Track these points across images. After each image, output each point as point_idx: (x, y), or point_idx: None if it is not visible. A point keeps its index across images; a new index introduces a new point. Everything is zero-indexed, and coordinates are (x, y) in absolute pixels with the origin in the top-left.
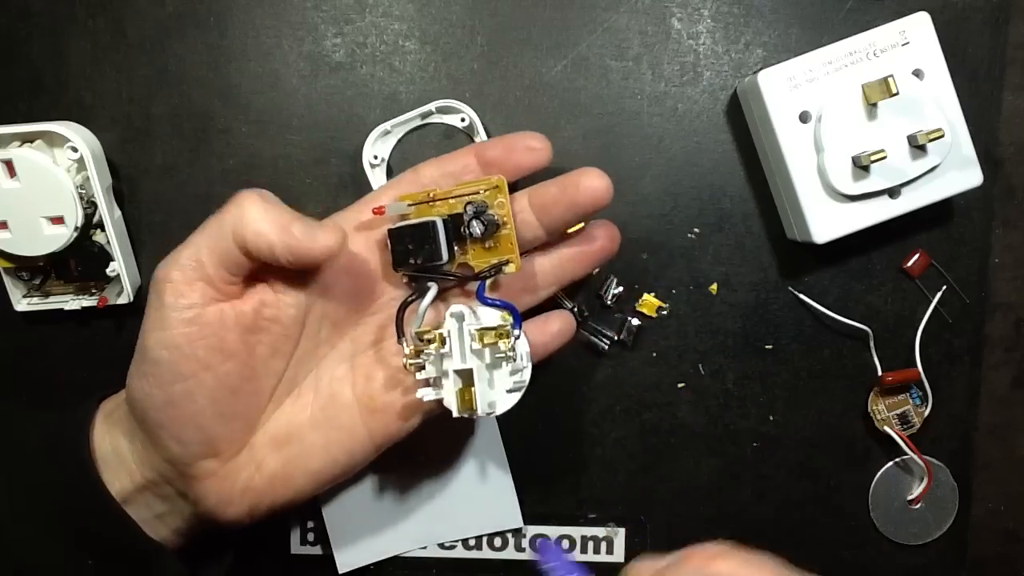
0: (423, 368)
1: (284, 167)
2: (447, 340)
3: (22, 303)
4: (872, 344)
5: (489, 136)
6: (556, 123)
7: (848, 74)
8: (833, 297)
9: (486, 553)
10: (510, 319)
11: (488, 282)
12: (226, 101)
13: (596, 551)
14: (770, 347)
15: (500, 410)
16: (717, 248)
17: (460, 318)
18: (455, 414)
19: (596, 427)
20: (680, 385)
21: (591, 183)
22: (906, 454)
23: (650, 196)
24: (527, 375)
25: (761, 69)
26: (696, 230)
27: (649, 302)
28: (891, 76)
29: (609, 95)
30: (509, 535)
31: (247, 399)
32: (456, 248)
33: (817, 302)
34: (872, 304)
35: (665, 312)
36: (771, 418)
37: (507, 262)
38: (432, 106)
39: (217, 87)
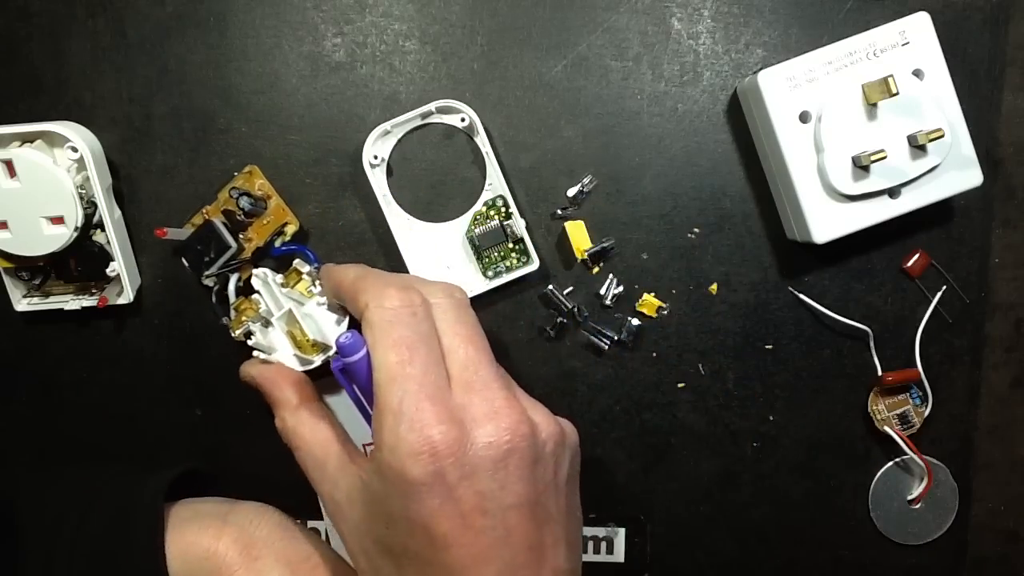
0: (250, 335)
1: (284, 167)
2: (261, 301)
3: (22, 303)
4: (872, 344)
5: (490, 136)
6: (556, 123)
7: (848, 74)
8: (833, 297)
9: None
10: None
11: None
12: (226, 101)
13: (596, 551)
14: (770, 347)
15: (337, 336)
16: (717, 248)
17: (263, 277)
18: (301, 360)
19: (596, 427)
20: (680, 385)
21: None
22: (906, 454)
23: (650, 196)
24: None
25: (761, 69)
26: (696, 230)
27: (649, 302)
28: (891, 76)
29: (609, 95)
30: None
31: None
32: (240, 236)
33: (817, 302)
34: (872, 304)
35: (665, 312)
36: (771, 418)
37: (286, 223)
38: (432, 106)
39: (217, 87)
